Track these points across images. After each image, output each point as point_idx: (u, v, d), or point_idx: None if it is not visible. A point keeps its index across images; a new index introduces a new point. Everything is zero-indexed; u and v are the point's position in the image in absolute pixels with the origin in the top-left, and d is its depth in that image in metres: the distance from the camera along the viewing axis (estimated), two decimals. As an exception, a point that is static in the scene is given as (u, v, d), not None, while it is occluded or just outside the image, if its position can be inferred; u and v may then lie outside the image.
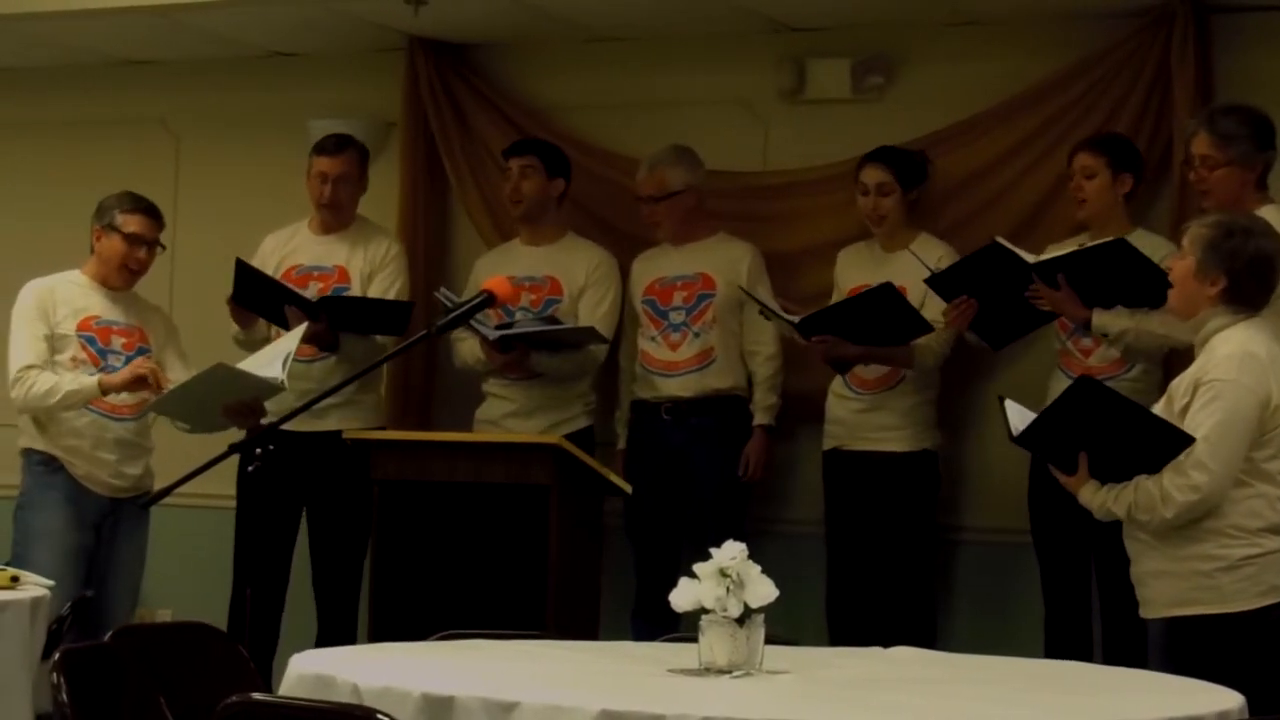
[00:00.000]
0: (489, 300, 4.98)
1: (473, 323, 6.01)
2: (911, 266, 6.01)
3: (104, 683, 3.74)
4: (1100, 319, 5.66)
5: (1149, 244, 5.74)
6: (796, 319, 6.12)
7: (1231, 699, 3.46)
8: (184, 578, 7.21)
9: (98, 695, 3.69)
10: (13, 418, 6.35)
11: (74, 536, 6.17)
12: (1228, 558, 4.53)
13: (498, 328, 6.30)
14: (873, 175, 6.25)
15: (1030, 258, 5.72)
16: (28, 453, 6.26)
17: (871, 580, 6.21)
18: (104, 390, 6.12)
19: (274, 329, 6.44)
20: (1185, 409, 4.54)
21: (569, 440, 6.03)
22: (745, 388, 6.46)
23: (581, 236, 6.69)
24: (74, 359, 6.21)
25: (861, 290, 6.13)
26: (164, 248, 6.40)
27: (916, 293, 6.03)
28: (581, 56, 7.06)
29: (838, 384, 6.31)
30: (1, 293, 6.55)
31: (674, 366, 6.43)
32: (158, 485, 5.90)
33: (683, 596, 3.55)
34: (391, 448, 6.16)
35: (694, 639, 3.55)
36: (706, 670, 3.50)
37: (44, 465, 6.22)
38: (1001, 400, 4.81)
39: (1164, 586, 4.60)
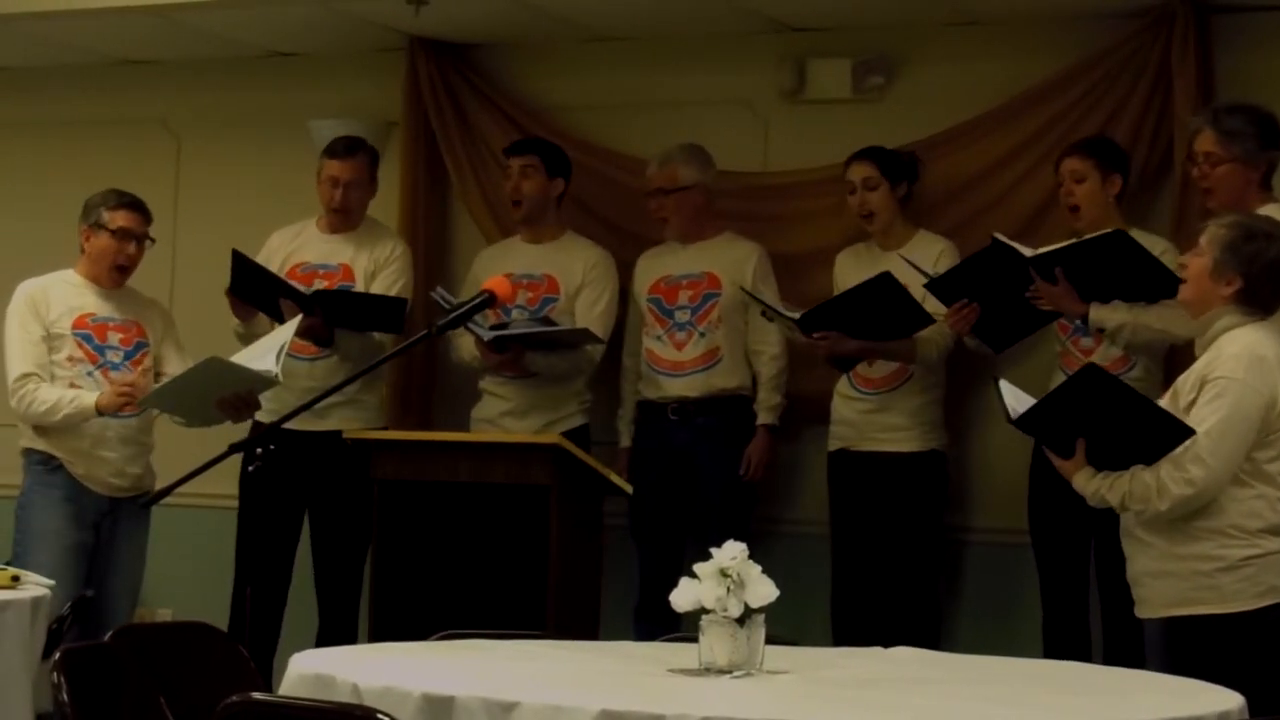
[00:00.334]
0: (490, 300, 4.98)
1: (468, 323, 6.00)
2: (909, 266, 6.00)
3: (104, 682, 3.74)
4: (1098, 313, 5.65)
5: (1144, 242, 5.73)
6: (797, 315, 6.12)
7: (1232, 699, 3.46)
8: (184, 577, 7.21)
9: (98, 695, 3.69)
10: (13, 418, 6.35)
11: (74, 536, 6.17)
12: (1228, 558, 4.53)
13: (493, 328, 6.30)
14: (858, 171, 6.27)
15: (1029, 251, 5.71)
16: (28, 452, 6.26)
17: (877, 581, 6.21)
18: (100, 412, 6.11)
19: (275, 324, 6.44)
20: (1191, 405, 4.55)
21: (565, 438, 6.03)
22: (751, 388, 6.46)
23: (581, 235, 6.69)
24: (71, 358, 6.21)
25: (860, 288, 6.13)
26: (153, 241, 6.38)
27: (916, 293, 6.02)
28: (582, 56, 7.07)
29: (843, 384, 6.31)
30: (1, 293, 6.55)
31: (680, 366, 6.43)
32: (158, 485, 5.91)
33: (683, 596, 3.55)
34: (392, 448, 6.15)
35: (694, 639, 3.55)
36: (707, 670, 3.50)
37: (44, 465, 6.22)
38: (996, 380, 4.82)
39: (1163, 586, 4.60)
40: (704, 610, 3.51)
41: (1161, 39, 6.22)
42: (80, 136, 7.71)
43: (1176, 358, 5.77)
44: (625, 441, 6.60)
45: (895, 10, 6.50)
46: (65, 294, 6.29)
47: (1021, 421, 4.71)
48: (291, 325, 5.99)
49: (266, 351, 5.85)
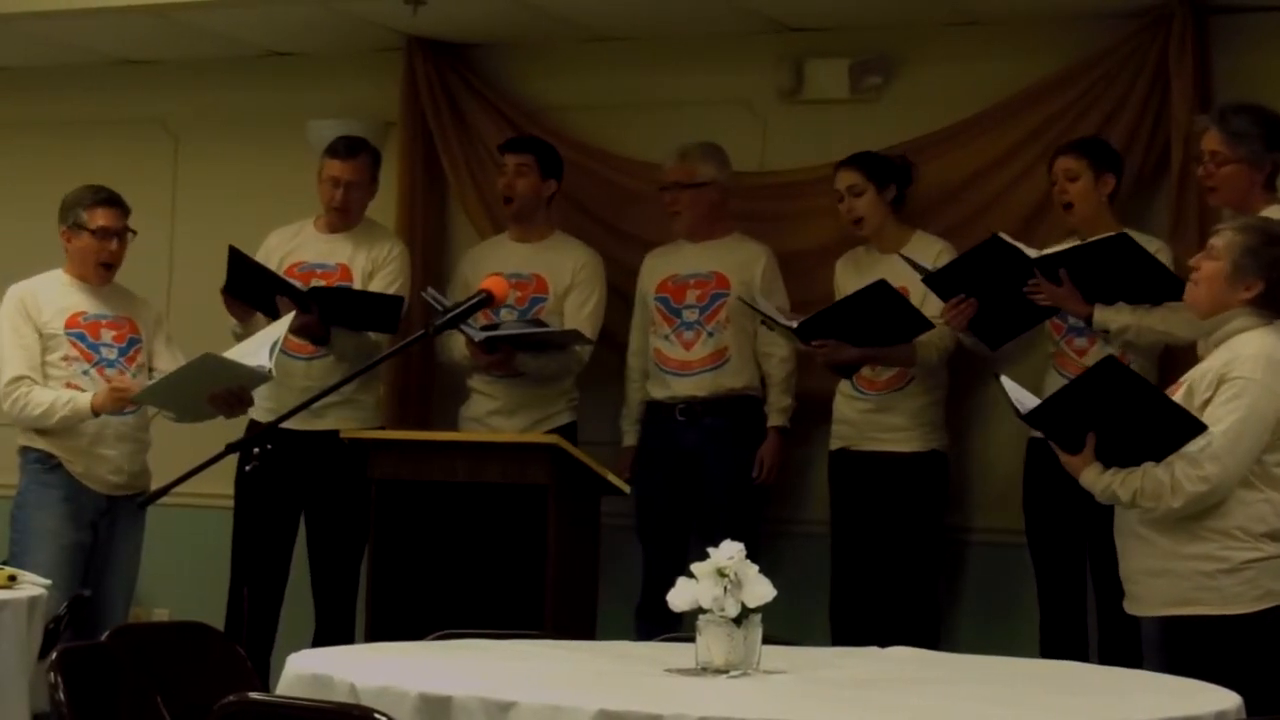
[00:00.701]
0: (487, 300, 4.98)
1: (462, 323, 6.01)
2: (907, 267, 6.00)
3: (101, 682, 3.74)
4: (1101, 314, 5.66)
5: (1139, 241, 5.73)
6: (794, 324, 6.11)
7: (1229, 699, 3.46)
8: (181, 577, 7.21)
9: (95, 695, 3.69)
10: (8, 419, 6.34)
11: (71, 535, 6.17)
12: (1230, 560, 4.52)
13: (483, 328, 6.30)
14: (843, 179, 6.27)
15: (1032, 252, 5.71)
16: (25, 451, 6.25)
17: (877, 581, 6.20)
18: (95, 412, 6.11)
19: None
20: (1207, 403, 4.54)
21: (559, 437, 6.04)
22: (759, 388, 6.46)
23: (572, 236, 6.70)
24: (66, 358, 6.20)
25: (858, 295, 6.13)
26: (134, 233, 6.36)
27: (916, 293, 6.03)
28: (581, 56, 7.07)
29: (845, 384, 6.30)
30: (1, 292, 6.54)
31: (688, 366, 6.43)
32: (155, 484, 5.90)
33: (680, 596, 3.55)
34: (389, 447, 6.15)
35: (692, 639, 3.55)
36: (704, 670, 3.50)
37: (41, 463, 6.21)
38: (998, 377, 4.81)
39: (1162, 585, 4.59)
40: (701, 610, 3.51)
41: (1159, 39, 6.22)
42: (79, 136, 7.70)
43: (1170, 358, 5.78)
44: (629, 441, 6.60)
45: (893, 10, 6.50)
46: (55, 294, 6.27)
47: (1032, 416, 4.70)
48: (285, 321, 5.99)
49: (260, 347, 5.85)
